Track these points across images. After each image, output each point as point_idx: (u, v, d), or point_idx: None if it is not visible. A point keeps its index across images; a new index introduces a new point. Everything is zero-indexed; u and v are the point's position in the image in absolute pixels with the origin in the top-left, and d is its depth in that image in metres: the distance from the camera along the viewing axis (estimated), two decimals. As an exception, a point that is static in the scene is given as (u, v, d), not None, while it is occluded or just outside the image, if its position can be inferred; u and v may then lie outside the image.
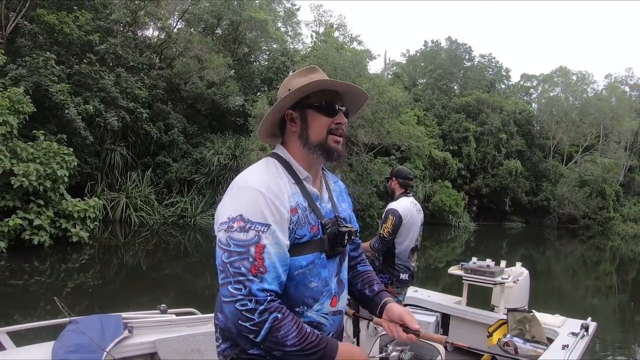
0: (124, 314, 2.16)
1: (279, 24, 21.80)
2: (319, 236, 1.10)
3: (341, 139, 1.15)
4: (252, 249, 0.97)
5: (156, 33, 17.09)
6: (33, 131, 9.34)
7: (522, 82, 37.86)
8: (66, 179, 9.03)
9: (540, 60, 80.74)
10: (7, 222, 7.88)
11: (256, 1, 19.29)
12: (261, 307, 0.95)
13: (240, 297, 0.95)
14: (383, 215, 3.06)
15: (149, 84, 14.35)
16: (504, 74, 35.87)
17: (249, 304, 0.94)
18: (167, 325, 2.20)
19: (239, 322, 0.95)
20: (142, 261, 9.86)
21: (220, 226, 1.02)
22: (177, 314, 2.27)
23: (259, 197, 1.01)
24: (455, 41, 32.71)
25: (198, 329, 2.22)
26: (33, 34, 11.69)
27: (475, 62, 33.39)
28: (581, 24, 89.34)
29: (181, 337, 2.16)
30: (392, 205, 3.02)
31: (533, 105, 36.26)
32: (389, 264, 3.03)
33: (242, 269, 0.96)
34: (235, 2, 17.30)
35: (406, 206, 3.01)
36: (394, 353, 1.28)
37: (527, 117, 30.36)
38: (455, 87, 31.19)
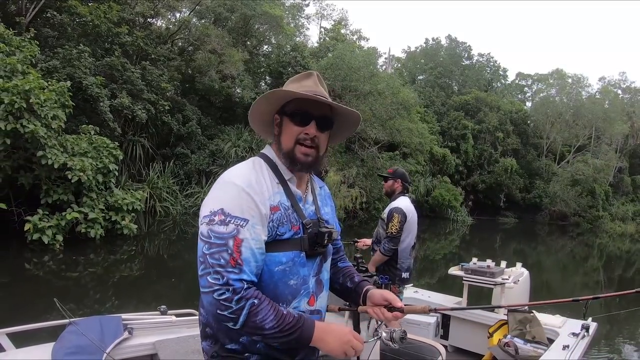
0: (124, 315, 2.01)
1: (288, 19, 21.21)
2: (299, 235, 1.08)
3: (311, 150, 1.09)
4: (231, 242, 0.96)
5: (162, 23, 16.53)
6: (82, 125, 9.01)
7: (517, 81, 37.19)
8: (116, 173, 8.76)
9: (536, 60, 79.59)
10: (64, 215, 7.51)
11: None
12: (238, 296, 0.94)
13: (217, 287, 0.94)
14: (386, 215, 2.92)
15: (168, 76, 14.09)
16: (501, 73, 35.17)
17: (226, 292, 0.93)
18: (167, 326, 2.05)
19: (218, 311, 0.94)
20: (164, 250, 9.71)
21: (203, 219, 1.00)
22: (177, 315, 2.11)
23: (240, 192, 1.00)
24: (455, 39, 32.18)
25: (198, 330, 2.04)
26: (61, 24, 11.26)
27: (474, 61, 32.72)
28: (577, 26, 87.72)
29: (181, 338, 2.01)
30: (396, 204, 2.95)
31: (527, 104, 35.64)
32: (392, 264, 2.92)
33: (221, 260, 0.95)
34: None
35: (408, 205, 2.98)
36: (384, 334, 1.25)
37: (522, 116, 29.93)
38: (454, 85, 30.58)
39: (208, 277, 0.94)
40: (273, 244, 1.02)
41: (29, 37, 8.52)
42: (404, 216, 2.85)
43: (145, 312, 2.11)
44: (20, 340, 1.88)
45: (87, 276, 6.75)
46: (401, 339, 1.18)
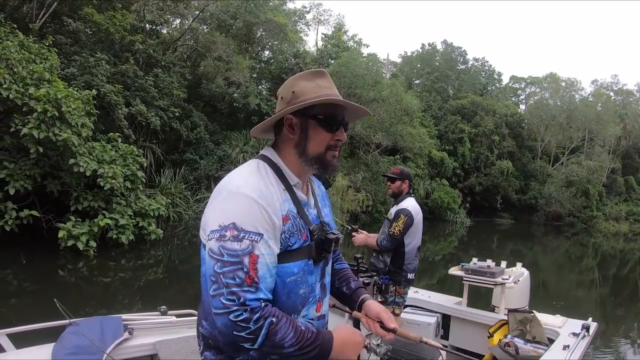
0: (124, 316, 1.94)
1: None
2: (307, 243, 1.01)
3: (337, 152, 1.05)
4: (246, 259, 0.87)
5: (164, 29, 16.47)
6: (109, 134, 8.96)
7: (511, 84, 37.09)
8: (143, 180, 8.68)
9: (529, 63, 79.68)
10: (97, 222, 7.46)
11: (270, 3, 18.54)
12: (256, 315, 0.85)
13: (235, 308, 0.84)
14: (392, 215, 2.83)
15: (177, 82, 13.99)
16: (496, 77, 35.06)
17: (243, 313, 0.84)
18: (167, 326, 1.98)
19: (234, 332, 0.85)
20: (179, 255, 9.65)
21: (212, 234, 0.89)
22: (178, 316, 2.04)
23: (252, 204, 0.89)
24: (451, 44, 32.09)
25: None
26: (75, 32, 11.15)
27: (469, 65, 32.62)
28: (570, 29, 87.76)
29: (181, 338, 1.94)
30: (403, 205, 2.83)
31: (521, 106, 35.54)
32: (399, 265, 2.81)
33: (237, 279, 0.86)
34: (252, 4, 16.64)
35: (416, 206, 2.86)
36: (372, 344, 1.24)
37: (517, 120, 29.82)
38: (450, 90, 30.46)
39: (222, 299, 0.85)
40: (284, 254, 0.95)
41: (47, 44, 8.40)
42: (410, 218, 2.75)
43: (145, 313, 2.04)
44: (20, 341, 1.82)
45: (117, 281, 6.68)
46: (385, 354, 1.15)
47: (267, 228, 0.90)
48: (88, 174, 7.18)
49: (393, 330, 1.09)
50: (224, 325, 0.85)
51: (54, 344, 1.78)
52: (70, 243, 7.02)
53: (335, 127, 1.01)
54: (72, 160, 7.04)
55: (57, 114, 6.78)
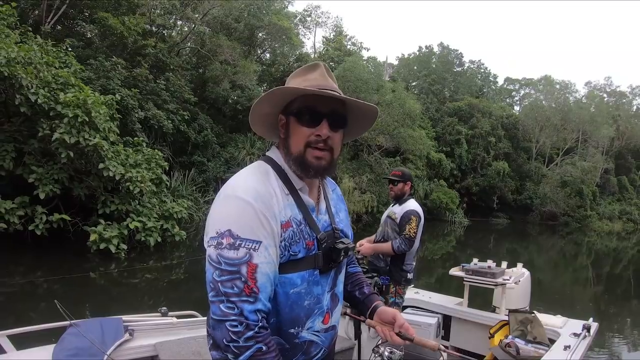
0: (125, 317, 1.88)
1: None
2: (313, 252, 0.92)
3: (324, 153, 0.90)
4: (244, 269, 0.82)
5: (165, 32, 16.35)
6: (134, 138, 8.89)
7: (505, 85, 37.01)
8: (167, 183, 8.62)
9: (523, 64, 79.62)
10: (127, 225, 7.39)
11: (272, 6, 18.44)
12: (249, 333, 0.81)
13: (233, 317, 0.81)
14: (400, 217, 2.74)
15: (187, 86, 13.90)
16: (492, 79, 34.97)
17: (238, 326, 0.81)
18: (168, 328, 1.92)
19: (224, 340, 0.81)
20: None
21: (210, 241, 0.84)
22: (178, 317, 1.98)
23: (247, 208, 0.83)
24: (447, 47, 32.00)
25: (199, 331, 1.93)
26: (90, 36, 11.17)
27: (466, 68, 32.50)
28: (564, 31, 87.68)
29: (182, 340, 1.88)
30: (410, 206, 2.77)
31: (515, 107, 35.44)
32: (399, 265, 2.75)
33: (235, 289, 0.81)
34: (255, 7, 16.56)
35: (419, 207, 2.81)
36: (386, 353, 1.19)
37: (513, 121, 29.73)
38: (446, 92, 30.33)
39: (221, 306, 0.81)
40: (287, 264, 0.88)
41: (64, 48, 8.30)
42: (419, 219, 2.72)
43: (146, 314, 1.98)
44: (20, 342, 1.77)
45: (144, 282, 6.62)
46: None
47: (265, 233, 0.83)
48: (117, 177, 7.11)
49: (410, 338, 1.02)
50: (219, 331, 0.82)
51: (54, 345, 1.73)
52: (102, 246, 6.91)
53: (315, 121, 0.88)
54: (101, 165, 6.98)
55: (87, 119, 6.71)
